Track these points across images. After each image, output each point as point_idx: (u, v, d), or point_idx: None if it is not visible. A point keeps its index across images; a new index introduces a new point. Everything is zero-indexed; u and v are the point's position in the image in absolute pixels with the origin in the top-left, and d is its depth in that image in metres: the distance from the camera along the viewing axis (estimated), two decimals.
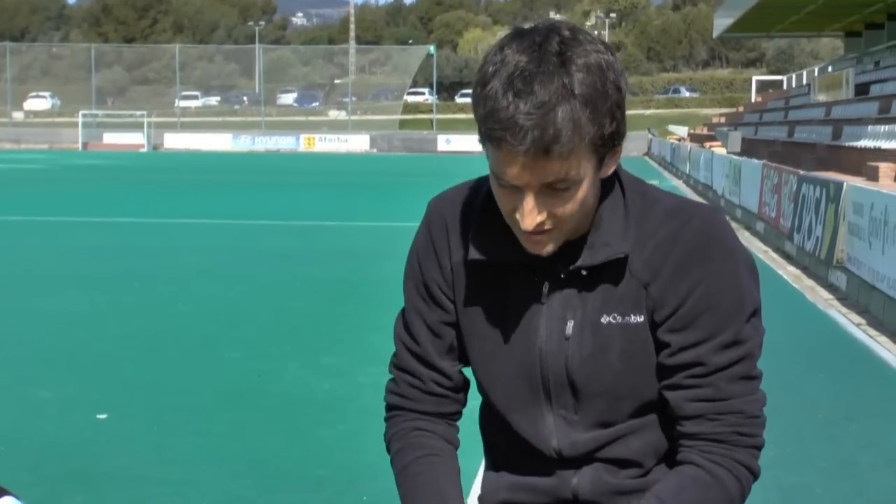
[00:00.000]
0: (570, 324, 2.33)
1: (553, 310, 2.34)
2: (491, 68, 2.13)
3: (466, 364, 2.51)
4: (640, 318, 2.30)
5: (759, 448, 2.34)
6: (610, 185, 2.31)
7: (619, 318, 2.30)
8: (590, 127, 2.11)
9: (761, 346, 2.34)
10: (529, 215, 2.17)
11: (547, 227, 2.20)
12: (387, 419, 2.57)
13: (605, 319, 2.31)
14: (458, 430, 2.56)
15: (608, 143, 2.17)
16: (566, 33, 2.14)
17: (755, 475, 2.35)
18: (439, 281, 2.45)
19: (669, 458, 2.40)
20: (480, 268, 2.38)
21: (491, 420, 2.50)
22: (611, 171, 2.25)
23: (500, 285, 2.38)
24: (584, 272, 2.30)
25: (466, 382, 2.53)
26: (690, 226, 2.28)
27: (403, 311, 2.54)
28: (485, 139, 2.17)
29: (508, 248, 2.32)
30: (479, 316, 2.41)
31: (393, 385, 2.55)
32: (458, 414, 2.55)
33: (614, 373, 2.32)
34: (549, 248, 2.24)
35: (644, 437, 2.38)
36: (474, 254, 2.35)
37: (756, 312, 2.32)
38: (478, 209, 2.38)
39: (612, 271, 2.30)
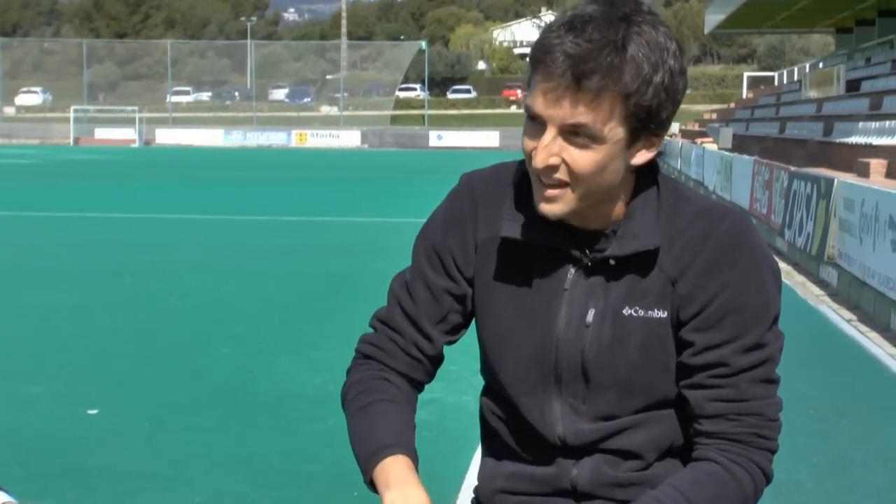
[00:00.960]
0: (592, 312, 2.33)
1: (575, 296, 2.34)
2: (557, 18, 2.20)
3: (453, 340, 2.51)
4: (664, 314, 2.30)
5: (773, 452, 2.36)
6: (646, 181, 2.32)
7: (642, 312, 2.30)
8: (629, 84, 2.13)
9: (781, 352, 2.35)
10: (544, 150, 2.18)
11: (560, 176, 2.20)
12: (352, 367, 2.56)
13: (626, 311, 2.31)
14: (417, 400, 2.52)
15: (645, 119, 2.18)
16: (644, 7, 2.19)
17: (769, 479, 2.36)
18: (455, 253, 2.43)
19: (671, 455, 2.41)
20: (507, 248, 2.38)
21: (495, 405, 2.49)
22: (643, 160, 2.25)
23: (524, 267, 2.38)
24: (612, 262, 2.30)
25: (441, 359, 2.52)
26: (721, 227, 2.29)
27: (406, 271, 2.52)
28: (532, 67, 2.20)
29: (539, 230, 2.33)
30: (499, 296, 2.40)
31: (371, 336, 2.53)
32: (422, 387, 2.54)
33: (630, 366, 2.32)
34: (558, 208, 2.24)
35: (647, 431, 2.37)
36: (507, 230, 2.35)
37: (777, 319, 2.34)
38: (512, 187, 2.39)
39: (640, 264, 2.30)
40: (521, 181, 2.37)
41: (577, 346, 2.34)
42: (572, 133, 2.17)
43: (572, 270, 2.34)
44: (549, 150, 2.18)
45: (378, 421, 2.42)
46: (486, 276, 2.42)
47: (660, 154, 2.32)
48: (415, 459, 2.34)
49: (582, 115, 2.14)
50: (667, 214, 2.30)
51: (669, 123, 2.24)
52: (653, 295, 2.30)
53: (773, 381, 2.34)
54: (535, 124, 2.21)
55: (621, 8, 2.17)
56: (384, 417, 2.42)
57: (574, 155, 2.18)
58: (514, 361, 2.40)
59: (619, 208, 2.31)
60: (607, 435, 2.37)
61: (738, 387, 2.29)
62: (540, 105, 2.17)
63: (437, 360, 2.51)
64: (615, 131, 2.17)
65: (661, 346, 2.32)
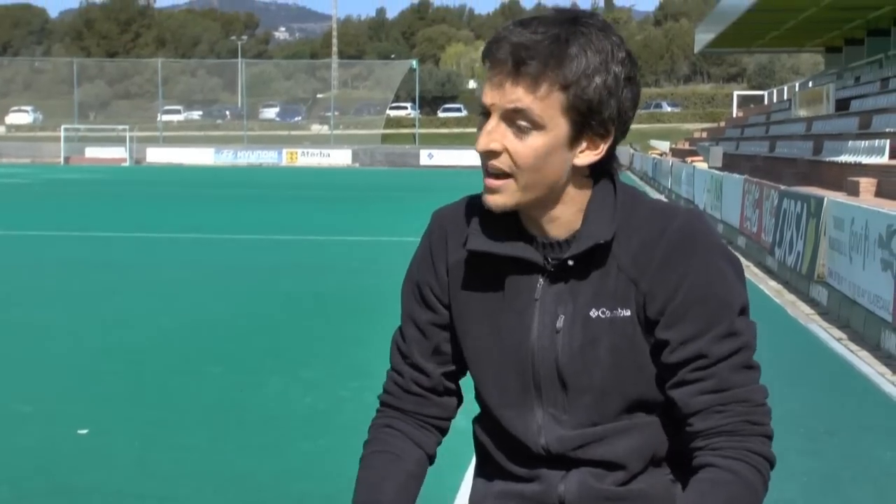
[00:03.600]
0: (562, 318, 2.37)
1: (546, 305, 2.38)
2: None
3: (461, 371, 2.55)
4: (628, 312, 2.34)
5: (769, 437, 2.36)
6: (604, 191, 2.37)
7: (609, 312, 2.34)
8: (569, 75, 2.22)
9: (756, 339, 2.36)
10: (486, 135, 2.27)
11: (501, 165, 2.28)
12: (375, 414, 2.63)
13: (594, 313, 2.35)
14: (437, 439, 2.59)
15: (587, 114, 2.25)
16: (599, 18, 2.30)
17: (772, 463, 2.36)
18: (432, 284, 2.50)
19: (655, 465, 2.42)
20: (476, 265, 2.44)
21: (483, 422, 2.53)
22: (587, 161, 2.31)
23: (495, 284, 2.43)
24: (570, 262, 2.34)
25: (452, 389, 2.57)
26: (674, 224, 2.33)
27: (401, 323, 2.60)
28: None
29: (506, 243, 2.38)
30: (474, 315, 2.46)
31: (383, 385, 2.61)
32: (441, 420, 2.58)
33: (602, 367, 2.35)
34: (501, 199, 2.31)
35: (631, 439, 2.39)
36: (473, 244, 2.41)
37: (745, 310, 2.35)
38: (478, 208, 2.43)
39: (600, 263, 2.34)
40: None
41: (550, 353, 2.38)
42: (514, 119, 2.25)
43: (541, 280, 2.39)
44: (491, 135, 2.27)
45: (361, 477, 2.52)
46: (459, 298, 2.48)
47: (618, 165, 2.39)
48: None
49: (521, 100, 2.23)
50: (623, 215, 2.35)
51: (615, 127, 2.29)
52: (618, 295, 2.34)
53: (753, 368, 2.35)
54: (484, 118, 2.29)
55: (575, 14, 2.28)
56: (366, 472, 2.52)
57: (515, 142, 2.26)
58: (496, 376, 2.45)
59: (576, 215, 2.36)
60: (589, 441, 2.39)
61: (720, 376, 2.31)
62: (486, 96, 2.27)
63: (443, 393, 2.57)
64: (556, 121, 2.25)
65: (630, 346, 2.35)
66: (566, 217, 2.35)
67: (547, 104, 2.23)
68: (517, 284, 2.41)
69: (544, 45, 2.21)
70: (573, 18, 2.25)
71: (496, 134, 2.26)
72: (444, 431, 2.60)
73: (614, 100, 2.26)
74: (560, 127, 2.25)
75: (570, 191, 2.34)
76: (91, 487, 6.40)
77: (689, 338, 2.30)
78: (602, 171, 2.36)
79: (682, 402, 2.34)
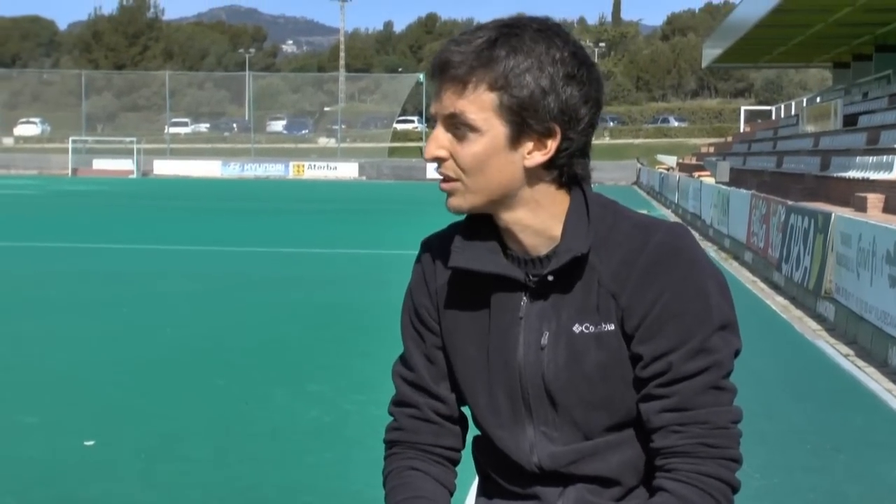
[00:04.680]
0: (546, 334, 2.37)
1: (531, 322, 2.38)
2: None
3: (462, 396, 2.54)
4: (612, 327, 2.33)
5: (731, 460, 2.31)
6: (578, 203, 2.37)
7: (593, 328, 2.33)
8: (497, 76, 2.25)
9: (732, 360, 2.33)
10: (432, 142, 2.32)
11: (448, 171, 2.31)
12: (385, 457, 2.59)
13: (577, 329, 2.34)
14: (454, 475, 2.57)
15: (523, 115, 2.26)
16: (540, 23, 2.31)
17: (733, 487, 2.31)
18: (428, 306, 2.51)
19: (646, 479, 2.41)
20: (461, 287, 2.44)
21: (480, 442, 2.54)
22: (536, 163, 2.30)
23: (480, 303, 2.44)
24: (550, 278, 2.34)
25: (463, 417, 2.57)
26: (655, 238, 2.32)
27: (401, 354, 2.58)
28: None
29: (487, 260, 2.39)
30: (463, 336, 2.46)
31: (392, 422, 2.58)
32: (455, 452, 2.57)
33: (589, 382, 2.34)
34: (456, 202, 2.34)
35: (622, 454, 2.38)
36: (454, 261, 2.41)
37: (727, 326, 2.32)
38: (462, 230, 2.45)
39: (581, 278, 2.34)
40: (470, 219, 2.45)
41: (537, 370, 2.38)
42: (454, 125, 2.29)
43: (524, 298, 2.39)
44: (436, 141, 2.31)
45: None
46: (447, 319, 2.49)
47: (585, 170, 2.37)
48: None
49: (454, 105, 2.27)
50: (604, 229, 2.34)
51: (560, 126, 2.28)
52: (601, 310, 2.33)
53: (722, 389, 2.31)
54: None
55: (515, 19, 2.31)
56: None
57: (457, 147, 2.30)
58: (487, 397, 2.45)
59: (552, 225, 2.36)
60: (581, 457, 2.38)
61: (683, 394, 2.29)
62: (433, 104, 2.32)
63: (456, 420, 2.56)
64: (490, 122, 2.27)
65: (617, 360, 2.34)
66: (539, 225, 2.35)
67: (479, 106, 2.25)
68: (501, 303, 2.41)
69: (471, 49, 2.25)
70: (509, 23, 2.29)
71: (439, 140, 2.31)
72: (456, 464, 2.59)
73: (552, 98, 2.25)
74: (496, 128, 2.27)
75: (534, 195, 2.33)
76: (96, 499, 6.39)
77: (661, 353, 2.29)
78: (571, 179, 2.36)
79: (646, 417, 2.33)
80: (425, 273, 2.52)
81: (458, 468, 2.58)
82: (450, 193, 2.33)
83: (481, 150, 2.28)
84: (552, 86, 2.25)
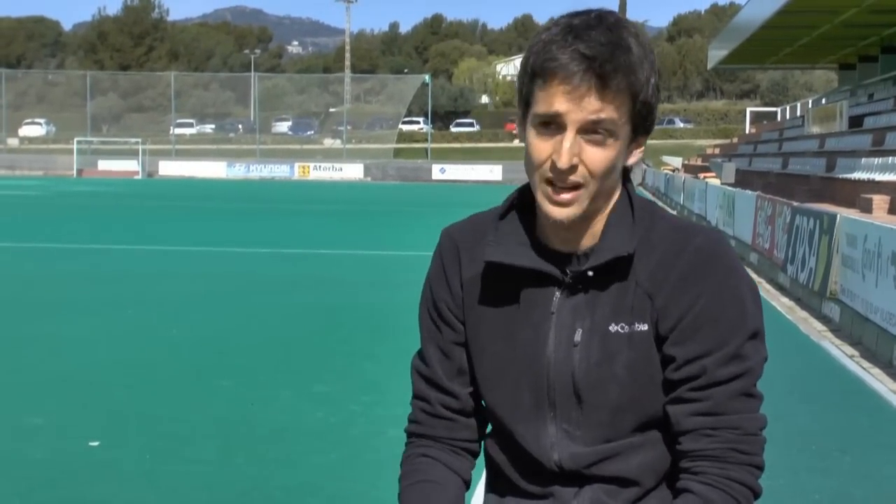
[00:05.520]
0: (580, 331, 2.36)
1: (562, 318, 2.37)
2: (543, 33, 2.25)
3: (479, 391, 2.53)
4: (645, 327, 2.33)
5: (757, 467, 2.33)
6: (621, 200, 2.37)
7: (627, 328, 2.33)
8: (640, 83, 2.22)
9: (762, 367, 2.35)
10: (568, 152, 2.22)
11: (575, 178, 2.24)
12: (404, 448, 2.60)
13: (612, 328, 2.34)
14: (471, 464, 2.57)
15: (645, 117, 2.27)
16: (619, 16, 2.27)
17: (756, 493, 2.33)
18: (448, 301, 2.49)
19: (669, 480, 2.41)
20: (492, 280, 2.43)
21: (495, 438, 2.52)
22: (634, 160, 2.32)
23: (511, 298, 2.42)
24: (590, 273, 2.33)
25: (479, 410, 2.55)
26: (694, 242, 2.33)
27: (420, 348, 2.58)
28: (533, 80, 2.25)
29: (522, 255, 2.37)
30: (490, 330, 2.44)
31: (410, 414, 2.59)
32: (472, 443, 2.56)
33: (619, 383, 2.34)
34: (572, 211, 2.28)
35: (643, 455, 2.38)
36: (491, 255, 2.39)
37: (757, 335, 2.33)
38: (493, 221, 2.43)
39: (620, 277, 2.34)
40: (506, 209, 2.43)
41: (567, 367, 2.37)
42: (591, 131, 2.22)
43: (557, 293, 2.38)
44: (572, 151, 2.22)
45: None
46: (474, 313, 2.47)
47: (628, 177, 2.39)
48: None
49: (605, 112, 2.20)
50: (643, 229, 2.34)
51: (654, 122, 2.32)
52: (636, 310, 2.33)
53: (752, 396, 2.33)
54: (550, 129, 2.25)
55: (606, 17, 2.25)
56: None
57: (591, 153, 2.23)
58: (510, 390, 2.43)
59: (598, 225, 2.35)
60: (603, 458, 2.38)
61: (716, 399, 2.30)
62: (562, 105, 2.21)
63: (471, 414, 2.55)
64: (625, 129, 2.26)
65: (647, 361, 2.34)
66: (598, 227, 2.35)
67: (621, 112, 2.23)
68: (533, 297, 2.39)
69: (617, 55, 2.19)
70: (616, 22, 2.24)
71: (575, 148, 2.23)
72: (475, 455, 2.58)
73: (655, 94, 2.28)
74: (625, 132, 2.26)
75: (613, 193, 2.35)
76: (102, 500, 6.40)
77: (694, 356, 2.30)
78: (625, 175, 2.37)
79: (675, 420, 2.33)
80: (446, 265, 2.50)
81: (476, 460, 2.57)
82: (567, 203, 2.27)
83: (615, 154, 2.26)
84: (657, 83, 2.28)
